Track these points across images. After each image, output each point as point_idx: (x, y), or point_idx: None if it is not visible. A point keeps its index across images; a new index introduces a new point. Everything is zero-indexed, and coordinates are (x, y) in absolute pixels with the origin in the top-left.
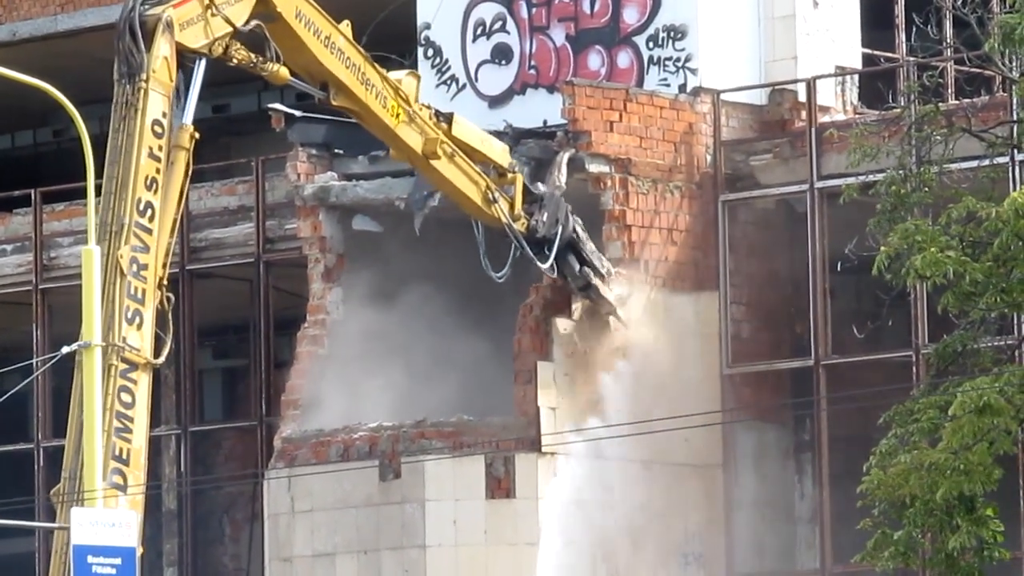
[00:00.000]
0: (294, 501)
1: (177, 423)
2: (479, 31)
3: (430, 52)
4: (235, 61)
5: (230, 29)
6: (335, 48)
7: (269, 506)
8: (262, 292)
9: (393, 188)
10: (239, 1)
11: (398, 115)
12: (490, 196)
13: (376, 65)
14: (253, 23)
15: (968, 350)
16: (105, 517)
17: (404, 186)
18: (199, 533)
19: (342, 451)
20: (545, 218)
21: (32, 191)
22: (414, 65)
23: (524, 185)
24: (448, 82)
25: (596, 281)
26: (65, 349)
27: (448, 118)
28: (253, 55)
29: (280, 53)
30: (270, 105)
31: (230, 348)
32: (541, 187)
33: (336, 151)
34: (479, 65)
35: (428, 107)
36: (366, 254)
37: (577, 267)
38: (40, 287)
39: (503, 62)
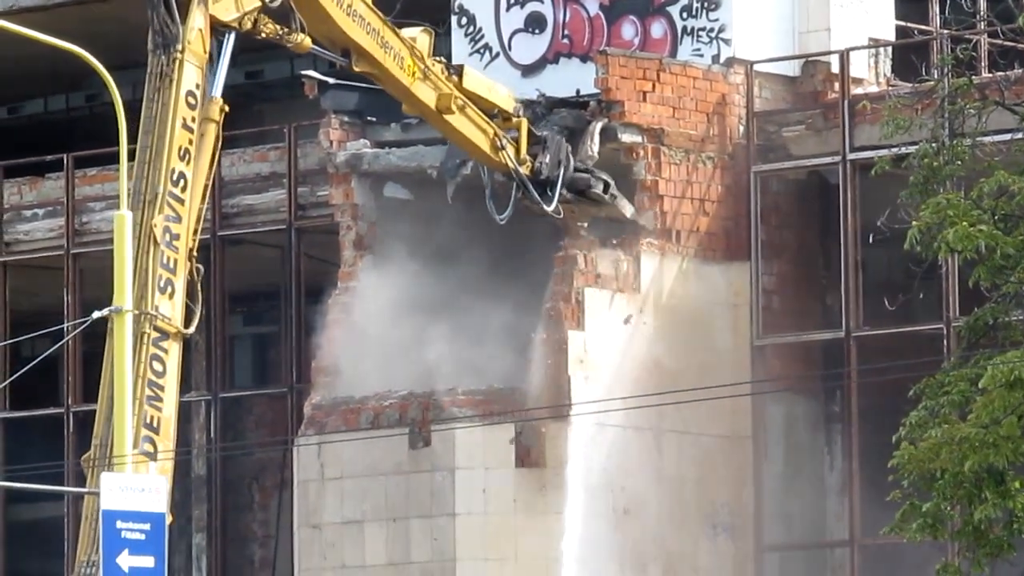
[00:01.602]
0: (323, 468)
1: (207, 389)
2: (513, 0)
3: (463, 20)
4: (263, 34)
5: (260, 3)
6: (356, 15)
7: (298, 473)
8: (293, 259)
9: (425, 156)
10: None
11: (414, 73)
12: (498, 143)
13: (392, 26)
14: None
15: (999, 323)
16: (135, 482)
17: (436, 154)
18: (228, 499)
19: (372, 418)
20: (548, 159)
21: (64, 156)
22: (447, 33)
23: (528, 129)
24: (481, 51)
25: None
26: (96, 314)
27: (459, 70)
28: (280, 28)
29: (304, 23)
30: (303, 72)
31: (261, 314)
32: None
33: (369, 118)
34: (512, 34)
35: (440, 61)
36: (398, 222)
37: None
38: (72, 252)
39: (536, 31)
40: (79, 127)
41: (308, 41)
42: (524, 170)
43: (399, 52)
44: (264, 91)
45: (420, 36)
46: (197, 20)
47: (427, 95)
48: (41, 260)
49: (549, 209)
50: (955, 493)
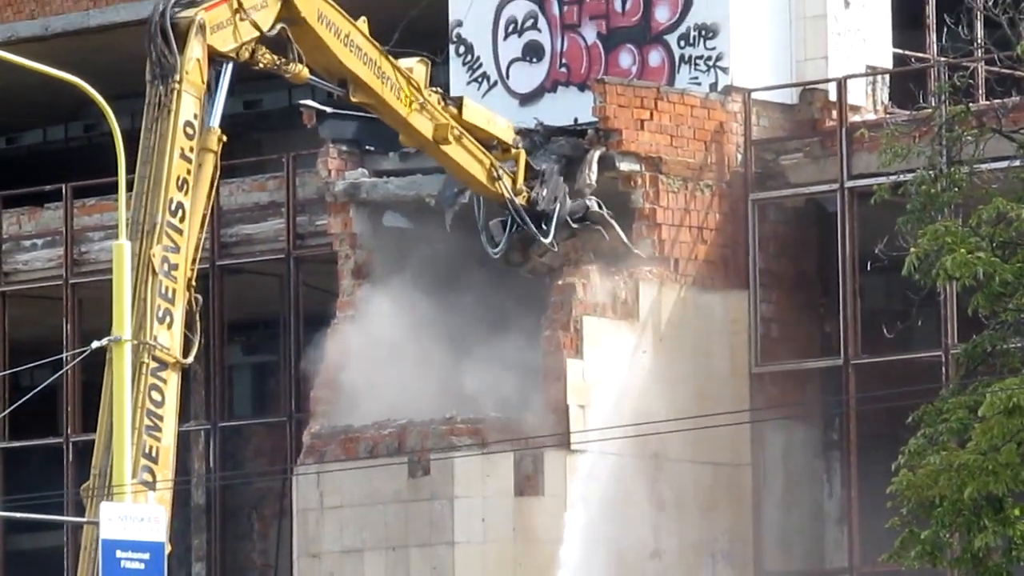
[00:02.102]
0: (323, 497)
1: (206, 418)
2: (510, 29)
3: (461, 49)
4: (261, 65)
5: (257, 33)
6: (353, 46)
7: (298, 502)
8: (292, 288)
9: (423, 185)
10: (265, 7)
11: (411, 104)
12: (494, 173)
13: (389, 57)
14: (279, 27)
15: (998, 351)
16: (134, 512)
17: (434, 183)
18: (228, 529)
19: (371, 447)
20: (545, 192)
21: (63, 186)
22: (445, 62)
23: (526, 161)
24: (479, 80)
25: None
26: (95, 344)
27: (458, 102)
28: (277, 58)
29: (301, 53)
30: (301, 101)
31: (260, 344)
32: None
33: (367, 147)
34: (510, 63)
35: (437, 91)
36: (396, 250)
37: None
38: (71, 282)
39: (534, 60)
40: (78, 157)
41: (306, 71)
42: (520, 200)
43: (396, 82)
44: (262, 121)
45: (416, 66)
46: (195, 50)
47: (424, 125)
48: (40, 290)
49: (546, 241)
50: (954, 520)
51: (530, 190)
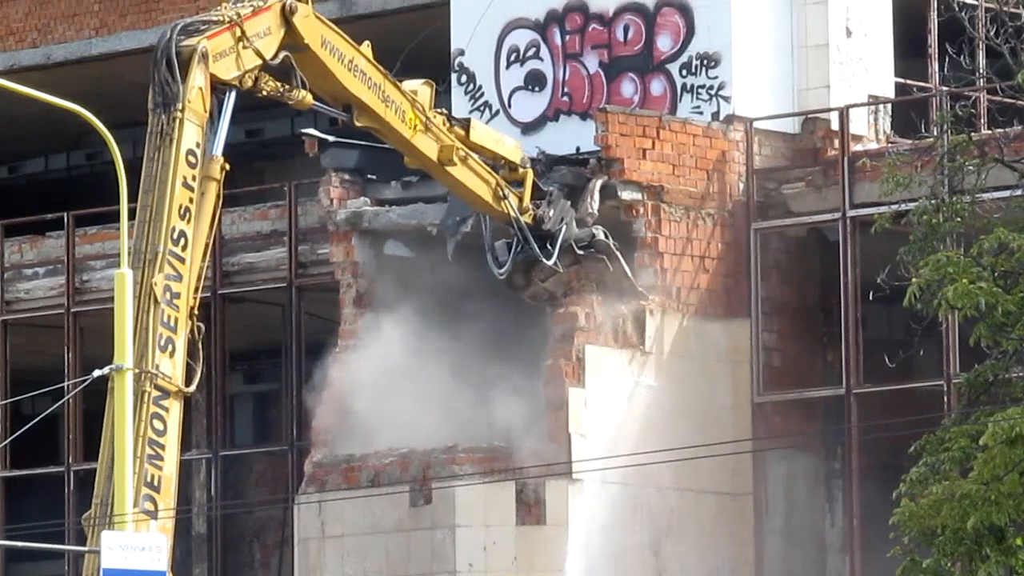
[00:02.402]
0: (324, 526)
1: (208, 447)
2: (512, 57)
3: (464, 78)
4: (264, 92)
5: (260, 61)
6: (357, 71)
7: (299, 531)
8: (294, 317)
9: (425, 214)
10: (268, 34)
11: (415, 126)
12: (500, 193)
13: (394, 80)
14: (282, 55)
15: (999, 380)
16: (135, 541)
17: (436, 212)
18: (229, 558)
19: (373, 476)
20: (552, 213)
21: (65, 214)
22: (447, 91)
23: (533, 182)
24: (481, 108)
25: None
26: (97, 372)
27: (465, 124)
28: (280, 85)
29: (305, 80)
30: (303, 130)
31: (262, 372)
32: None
33: (369, 176)
34: (512, 91)
35: (442, 113)
36: (398, 279)
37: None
38: (72, 310)
39: (536, 89)
40: (79, 186)
41: (310, 97)
42: (526, 219)
43: (400, 105)
44: (264, 149)
45: (421, 89)
46: (197, 79)
47: (429, 147)
48: (42, 319)
49: (549, 262)
50: (956, 550)
51: (536, 209)
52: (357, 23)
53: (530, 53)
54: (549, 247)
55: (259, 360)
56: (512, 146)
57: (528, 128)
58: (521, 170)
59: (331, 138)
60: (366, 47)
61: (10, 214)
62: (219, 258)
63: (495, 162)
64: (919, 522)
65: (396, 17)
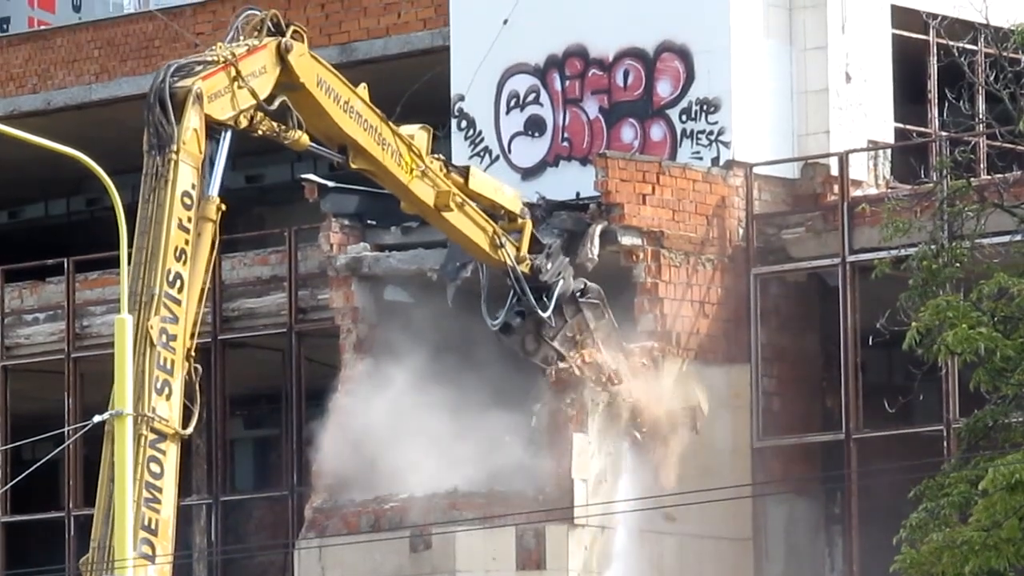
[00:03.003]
0: (325, 572)
1: (208, 492)
2: (512, 103)
3: (463, 124)
4: (260, 132)
5: (255, 101)
6: (353, 112)
7: None
8: (294, 362)
9: (425, 259)
10: (264, 73)
11: (412, 171)
12: (497, 241)
13: (390, 123)
14: (279, 100)
15: (999, 425)
16: None
17: (436, 257)
18: None
19: (373, 521)
20: (551, 266)
21: (65, 260)
22: (447, 137)
23: (532, 233)
24: (481, 154)
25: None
26: (97, 418)
27: (464, 172)
28: (276, 125)
29: (301, 120)
30: (303, 175)
31: (262, 418)
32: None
33: (369, 222)
34: (512, 137)
35: (439, 158)
36: (398, 325)
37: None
38: (72, 356)
39: (536, 134)
40: (79, 231)
41: (306, 138)
42: (523, 268)
43: (397, 149)
44: (264, 195)
45: (418, 133)
46: (192, 120)
47: (425, 192)
48: (42, 364)
49: (545, 315)
50: None
51: (534, 260)
52: (357, 68)
53: (530, 98)
54: (545, 299)
55: (259, 405)
56: (511, 195)
57: (528, 173)
58: (520, 220)
59: (331, 183)
60: (362, 89)
61: (10, 259)
62: (219, 303)
63: (494, 211)
64: (920, 569)
65: (396, 63)
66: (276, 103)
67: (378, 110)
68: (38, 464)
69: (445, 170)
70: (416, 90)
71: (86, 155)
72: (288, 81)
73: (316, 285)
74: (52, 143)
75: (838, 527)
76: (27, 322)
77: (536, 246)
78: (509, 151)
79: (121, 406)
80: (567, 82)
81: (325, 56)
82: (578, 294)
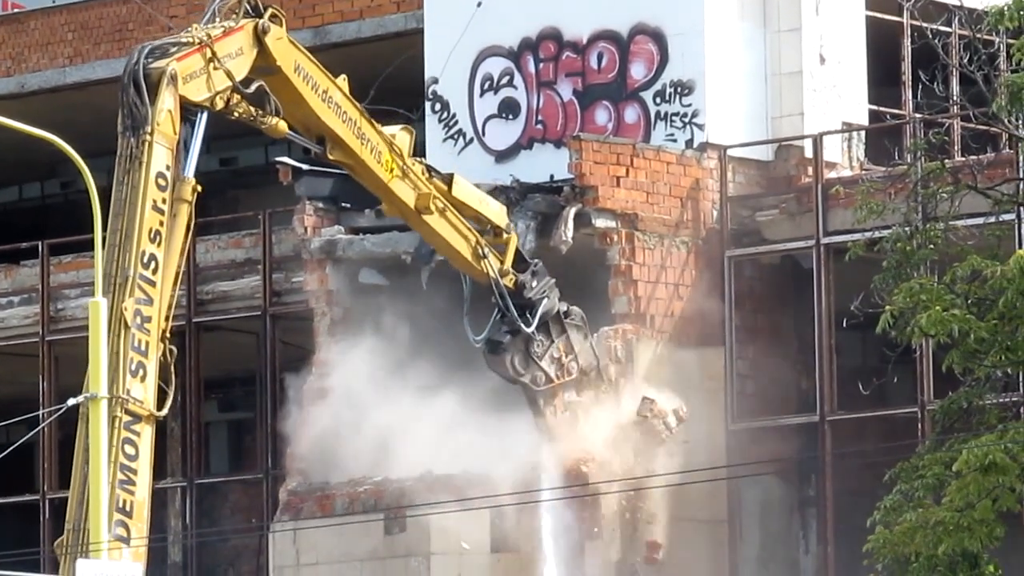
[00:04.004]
0: (299, 554)
1: (183, 475)
2: (486, 86)
3: (437, 107)
4: (236, 115)
5: (231, 83)
6: (332, 102)
7: (274, 559)
8: (268, 345)
9: (400, 242)
10: (240, 55)
11: (392, 170)
12: (480, 251)
13: (371, 120)
14: (255, 84)
15: (973, 407)
16: (110, 569)
17: (411, 240)
18: None
19: (347, 504)
20: (536, 284)
21: (39, 243)
22: (421, 119)
23: (517, 249)
24: (455, 136)
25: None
26: (71, 401)
27: (448, 179)
28: (253, 109)
29: (279, 107)
30: (277, 158)
31: (236, 401)
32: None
33: (343, 205)
34: (486, 120)
35: (421, 162)
36: (372, 307)
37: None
38: (47, 339)
39: (510, 117)
40: (54, 214)
41: (283, 125)
42: (507, 283)
43: (376, 146)
44: (238, 178)
45: (400, 134)
46: (167, 101)
47: (406, 193)
48: (16, 347)
49: (529, 330)
50: None
51: (518, 276)
52: (331, 52)
53: (504, 81)
54: (528, 316)
55: (234, 388)
56: (497, 209)
57: (502, 156)
58: (506, 235)
59: (305, 166)
60: (342, 81)
61: None
62: (193, 286)
63: (478, 224)
64: (893, 549)
65: (370, 46)
66: (253, 87)
67: (358, 104)
68: (12, 447)
69: (427, 174)
70: (390, 73)
71: (60, 138)
72: (265, 64)
73: (290, 268)
74: (26, 126)
75: (812, 509)
76: (1, 305)
77: (520, 264)
78: (483, 134)
79: (96, 389)
80: (541, 65)
81: (299, 39)
82: (563, 313)
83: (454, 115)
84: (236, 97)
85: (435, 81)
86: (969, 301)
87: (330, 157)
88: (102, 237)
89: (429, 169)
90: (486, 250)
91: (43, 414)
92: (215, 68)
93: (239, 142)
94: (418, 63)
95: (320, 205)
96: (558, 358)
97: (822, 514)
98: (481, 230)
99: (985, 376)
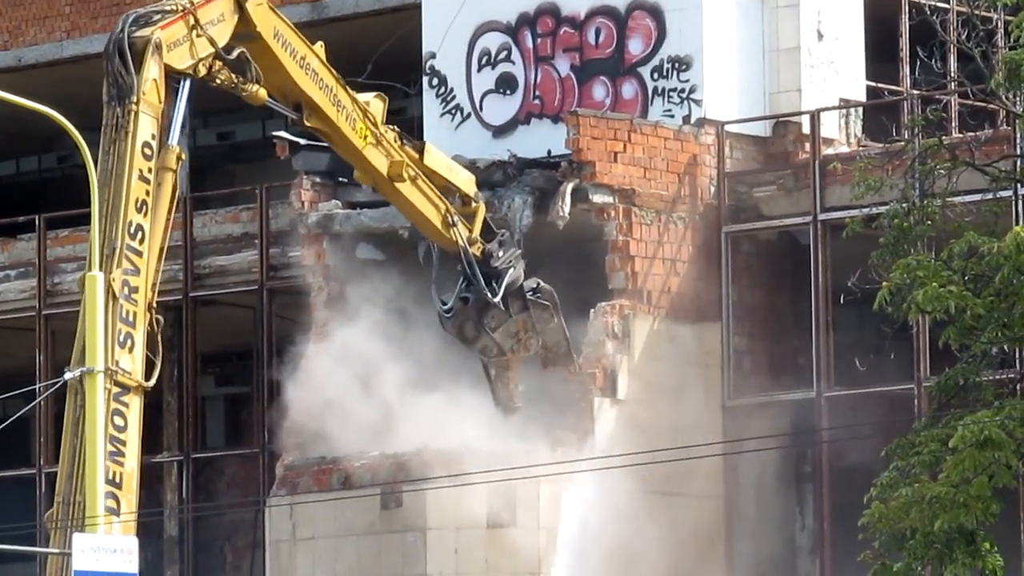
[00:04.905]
0: (296, 529)
1: (179, 450)
2: (484, 61)
3: (435, 81)
4: (218, 81)
5: (213, 50)
6: (310, 69)
7: (271, 533)
8: (265, 319)
9: (397, 217)
10: (222, 20)
11: (366, 137)
12: (449, 220)
13: (347, 87)
14: (237, 51)
15: (970, 384)
16: (107, 543)
17: None
18: (200, 560)
19: (344, 479)
20: (503, 253)
21: (36, 217)
22: (419, 94)
23: (485, 219)
24: (452, 112)
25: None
26: (68, 375)
27: (419, 147)
28: (235, 76)
29: (260, 74)
30: (275, 133)
31: (233, 375)
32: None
33: (340, 179)
34: (484, 95)
35: (393, 129)
36: (370, 282)
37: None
38: (44, 313)
39: (508, 92)
40: (51, 188)
41: (263, 92)
42: (474, 251)
43: (352, 113)
44: (236, 152)
45: (374, 101)
46: (152, 70)
47: (379, 160)
48: (13, 321)
49: (495, 300)
50: (926, 553)
51: (485, 245)
52: (328, 26)
53: (501, 56)
54: (494, 285)
55: (230, 363)
56: (467, 178)
57: (499, 131)
58: (474, 204)
59: (302, 141)
60: (319, 48)
61: None
62: (190, 261)
63: (447, 192)
64: (888, 524)
65: (367, 20)
66: (234, 53)
67: (334, 71)
68: (9, 421)
69: (400, 142)
70: (387, 48)
71: (57, 112)
72: (245, 31)
73: (287, 242)
74: (24, 100)
75: (809, 485)
76: None
77: (489, 233)
78: (480, 109)
79: (92, 363)
80: (538, 40)
81: (296, 14)
82: (529, 292)
83: (451, 90)
84: (218, 64)
85: (433, 56)
86: (966, 278)
87: (306, 124)
88: (99, 211)
89: (401, 136)
90: (455, 219)
91: (40, 388)
92: (198, 35)
93: (236, 116)
94: (416, 38)
95: (317, 180)
96: (515, 333)
97: (818, 490)
98: (448, 197)
99: (982, 352)
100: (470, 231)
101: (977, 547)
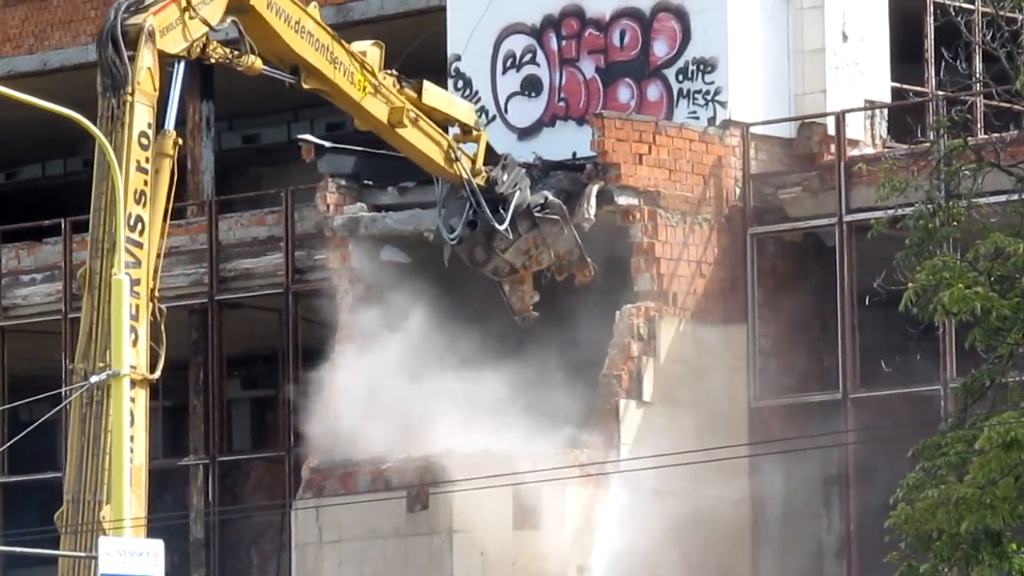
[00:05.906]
0: (322, 531)
1: (205, 453)
2: (509, 63)
3: (460, 84)
4: (213, 60)
5: (207, 29)
6: (304, 32)
7: (297, 536)
8: (291, 322)
9: (422, 219)
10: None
11: (364, 88)
12: (452, 155)
13: (342, 42)
14: (228, 19)
15: (996, 384)
16: (133, 546)
17: (433, 217)
18: (227, 563)
19: (370, 482)
20: (506, 177)
21: (62, 220)
22: None
23: (488, 146)
24: (478, 114)
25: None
26: (94, 378)
27: (417, 87)
28: (229, 51)
29: (253, 45)
30: (300, 136)
31: (259, 378)
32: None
33: (365, 182)
34: (509, 97)
35: (392, 74)
36: (395, 285)
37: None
38: (70, 316)
39: (533, 94)
40: (76, 191)
41: (259, 63)
42: (479, 182)
43: (349, 67)
44: (261, 155)
45: (371, 50)
46: (146, 59)
47: (379, 109)
48: (39, 324)
49: (501, 228)
50: (952, 554)
51: (489, 172)
52: (354, 29)
53: (526, 58)
54: (502, 212)
55: (256, 366)
56: (465, 108)
57: (524, 134)
58: (475, 132)
59: (328, 144)
60: (313, 8)
61: (7, 220)
62: (216, 264)
63: (448, 124)
64: (915, 525)
65: (393, 23)
66: (225, 23)
67: (329, 28)
68: (35, 424)
69: (398, 85)
70: (413, 50)
71: (83, 116)
72: (238, 5)
73: (313, 245)
74: (49, 104)
75: (835, 487)
76: (24, 283)
77: (492, 158)
78: (505, 111)
79: (119, 367)
80: (563, 42)
81: (321, 16)
82: (537, 209)
83: (477, 92)
84: (213, 43)
85: (458, 58)
86: (992, 279)
87: (305, 86)
88: (124, 215)
89: (400, 79)
90: (458, 153)
91: (65, 391)
92: (191, 17)
93: (262, 120)
94: (441, 40)
95: (342, 182)
96: (526, 250)
97: (844, 492)
98: (449, 129)
99: (1008, 353)
100: (473, 162)
101: (1004, 548)
